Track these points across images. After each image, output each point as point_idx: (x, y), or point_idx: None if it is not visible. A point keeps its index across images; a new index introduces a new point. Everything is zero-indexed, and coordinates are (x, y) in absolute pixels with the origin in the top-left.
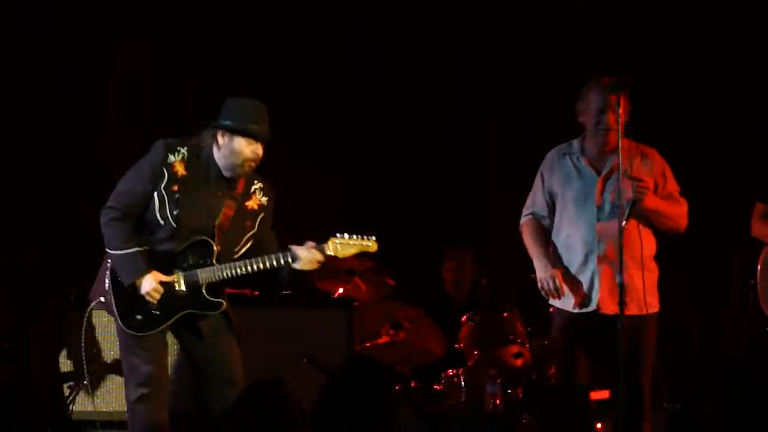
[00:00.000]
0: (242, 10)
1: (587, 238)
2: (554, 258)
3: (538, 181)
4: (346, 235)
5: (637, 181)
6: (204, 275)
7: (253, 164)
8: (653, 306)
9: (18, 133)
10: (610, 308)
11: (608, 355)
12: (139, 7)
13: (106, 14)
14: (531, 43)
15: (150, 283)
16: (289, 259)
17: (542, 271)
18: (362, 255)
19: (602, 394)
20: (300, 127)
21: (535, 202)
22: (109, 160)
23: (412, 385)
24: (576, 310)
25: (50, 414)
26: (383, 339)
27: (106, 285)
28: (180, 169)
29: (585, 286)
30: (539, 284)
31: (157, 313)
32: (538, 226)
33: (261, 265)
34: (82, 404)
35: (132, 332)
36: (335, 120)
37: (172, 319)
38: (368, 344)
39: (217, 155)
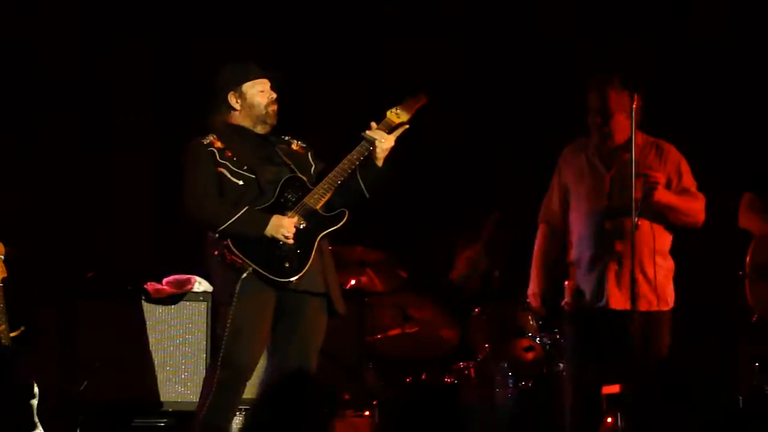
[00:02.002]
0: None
1: (598, 234)
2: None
3: (555, 176)
4: (396, 108)
5: (646, 177)
6: (312, 200)
7: (275, 106)
8: (666, 303)
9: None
10: (621, 304)
11: (619, 350)
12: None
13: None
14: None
15: (280, 223)
16: (372, 148)
17: (529, 287)
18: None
19: (613, 389)
20: (308, 108)
21: (551, 200)
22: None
23: (423, 377)
24: (588, 306)
25: (66, 400)
26: (395, 331)
27: (241, 258)
28: (218, 143)
29: (595, 282)
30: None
31: (299, 251)
32: (547, 236)
33: (353, 162)
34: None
35: (290, 279)
36: (341, 100)
37: (315, 247)
38: (380, 336)
39: (240, 118)
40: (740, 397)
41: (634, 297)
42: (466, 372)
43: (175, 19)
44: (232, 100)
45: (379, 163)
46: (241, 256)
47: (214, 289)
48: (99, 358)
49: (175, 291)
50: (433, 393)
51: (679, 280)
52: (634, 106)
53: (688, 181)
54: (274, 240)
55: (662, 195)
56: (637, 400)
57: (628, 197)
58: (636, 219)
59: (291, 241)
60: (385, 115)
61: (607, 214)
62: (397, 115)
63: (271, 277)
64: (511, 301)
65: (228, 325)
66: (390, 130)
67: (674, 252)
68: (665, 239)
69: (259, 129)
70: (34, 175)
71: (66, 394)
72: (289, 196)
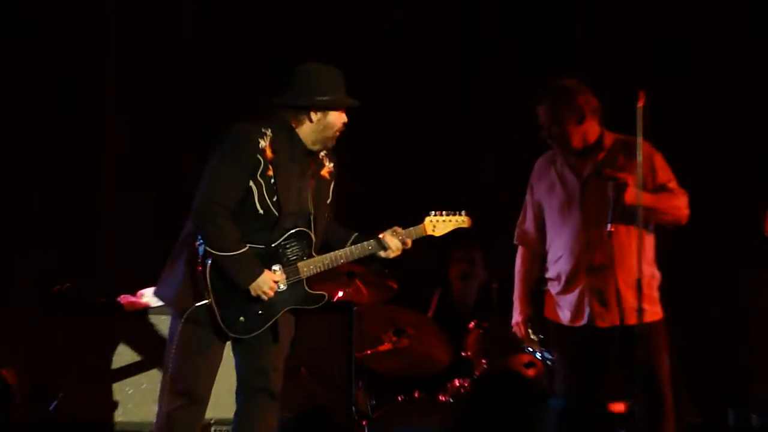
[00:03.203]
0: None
1: (574, 247)
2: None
3: (528, 193)
4: (443, 213)
5: (612, 179)
6: (305, 269)
7: (341, 130)
8: (653, 314)
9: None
10: (605, 320)
11: (611, 368)
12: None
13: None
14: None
15: (266, 284)
16: (380, 251)
17: (513, 316)
18: (456, 231)
19: (619, 407)
20: None
21: (524, 220)
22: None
23: (416, 395)
24: (569, 325)
25: (35, 420)
26: (385, 346)
27: (208, 287)
28: (269, 153)
29: (576, 299)
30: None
31: (261, 312)
32: (526, 259)
33: (355, 256)
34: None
35: (236, 335)
36: None
37: (275, 318)
38: (369, 351)
39: (305, 132)
40: (754, 415)
41: (641, 308)
42: (462, 390)
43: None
44: (314, 116)
45: (380, 261)
46: (209, 283)
47: (172, 290)
48: (70, 375)
49: (151, 304)
50: (427, 411)
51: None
52: (639, 105)
53: (665, 176)
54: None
55: (633, 196)
56: (643, 417)
57: (603, 204)
58: (610, 225)
59: (259, 304)
60: (422, 220)
61: (580, 224)
62: (434, 226)
63: (220, 323)
64: (510, 313)
65: (175, 346)
66: (412, 238)
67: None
68: (648, 244)
69: (315, 148)
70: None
71: (35, 413)
72: (289, 250)
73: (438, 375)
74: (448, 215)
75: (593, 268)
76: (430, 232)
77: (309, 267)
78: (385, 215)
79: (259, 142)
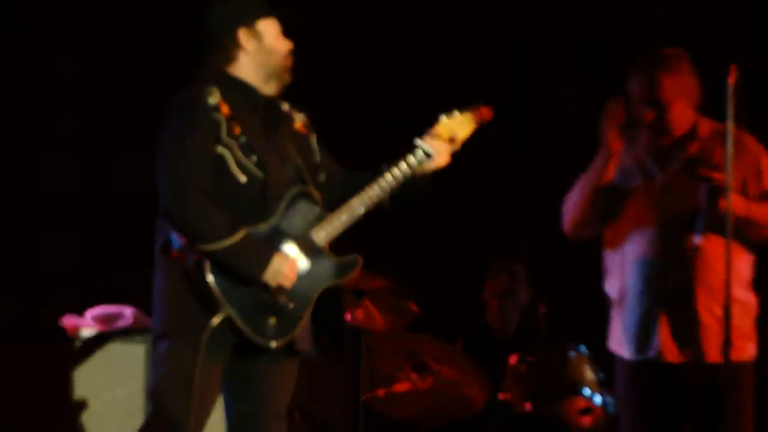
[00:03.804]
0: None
1: (646, 259)
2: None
3: (606, 148)
4: (457, 114)
5: (708, 180)
6: (322, 234)
7: (290, 59)
8: (743, 351)
9: None
10: (675, 355)
11: (682, 416)
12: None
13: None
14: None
15: (281, 267)
16: (425, 159)
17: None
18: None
19: None
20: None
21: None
22: None
23: None
24: (633, 358)
25: None
26: (402, 385)
27: (216, 295)
28: (225, 109)
29: (642, 325)
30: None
31: (292, 305)
32: None
33: (386, 190)
34: None
35: (273, 343)
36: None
37: (310, 307)
38: (381, 392)
39: (248, 69)
40: None
41: (728, 342)
42: None
43: None
44: (244, 38)
45: (427, 181)
46: (218, 291)
47: (157, 314)
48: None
49: (103, 328)
50: None
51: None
52: (730, 82)
53: None
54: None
55: (732, 203)
56: None
57: (690, 209)
58: (699, 238)
59: (284, 295)
60: (437, 120)
61: (658, 230)
62: (460, 123)
63: (250, 334)
64: (561, 345)
65: (166, 373)
66: (445, 135)
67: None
68: (743, 263)
69: (270, 86)
70: None
71: None
72: (295, 220)
73: (469, 422)
74: (467, 110)
75: (668, 288)
76: (458, 132)
77: (326, 231)
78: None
79: (208, 100)
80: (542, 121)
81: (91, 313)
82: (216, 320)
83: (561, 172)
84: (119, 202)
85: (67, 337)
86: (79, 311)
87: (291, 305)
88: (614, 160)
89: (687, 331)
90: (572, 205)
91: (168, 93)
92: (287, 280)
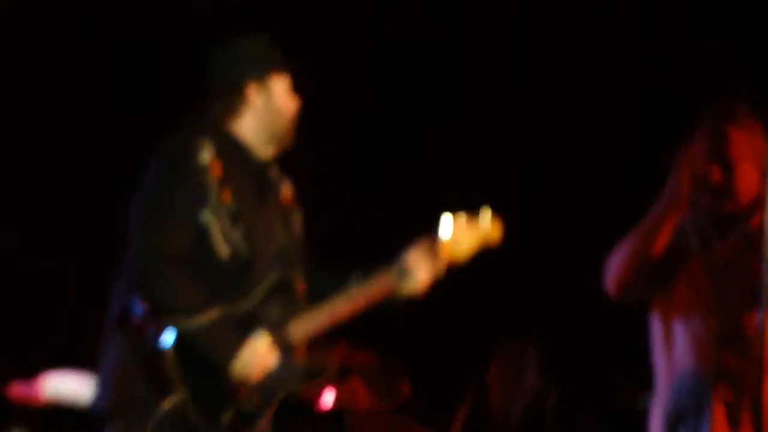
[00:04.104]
0: None
1: (699, 336)
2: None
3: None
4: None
5: None
6: (299, 331)
7: (296, 121)
8: None
9: None
10: None
11: None
12: None
13: None
14: None
15: (253, 360)
16: (399, 278)
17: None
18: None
19: None
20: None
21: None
22: None
23: None
24: None
25: None
26: None
27: (174, 377)
28: (217, 170)
29: (692, 411)
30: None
31: (254, 402)
32: None
33: (368, 298)
34: None
35: None
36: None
37: (272, 408)
38: None
39: (250, 127)
40: None
41: None
42: None
43: None
44: (253, 92)
45: (402, 302)
46: (176, 371)
47: (103, 390)
48: None
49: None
50: None
51: None
52: None
53: None
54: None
55: None
56: None
57: (750, 282)
58: (762, 315)
59: (247, 392)
60: (436, 227)
61: (715, 305)
62: (462, 234)
63: (201, 425)
64: None
65: None
66: (440, 252)
67: None
68: None
69: (267, 150)
70: None
71: None
72: (272, 310)
73: None
74: (465, 221)
75: (727, 374)
76: (450, 252)
77: (303, 328)
78: None
79: (198, 158)
80: (547, 194)
81: (45, 379)
82: (167, 404)
83: (578, 249)
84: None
85: (16, 408)
86: (30, 377)
87: (253, 402)
88: (678, 214)
89: (747, 421)
90: (620, 261)
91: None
92: (255, 375)
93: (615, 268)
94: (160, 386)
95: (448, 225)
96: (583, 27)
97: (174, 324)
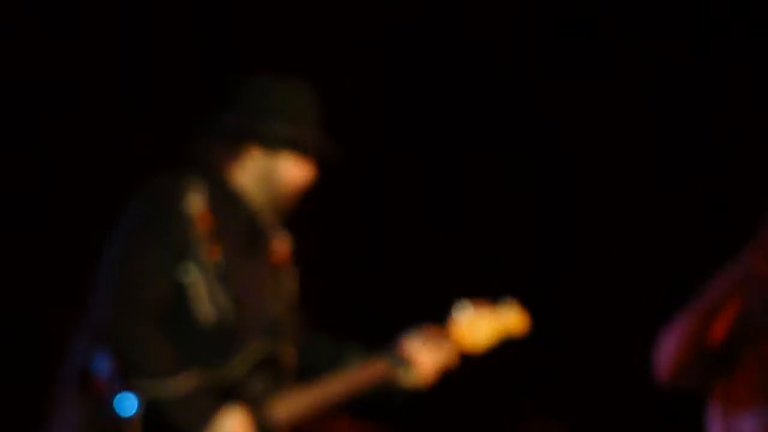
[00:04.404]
0: None
1: None
2: None
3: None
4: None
5: None
6: (282, 410)
7: (298, 198)
8: None
9: None
10: None
11: None
12: None
13: None
14: None
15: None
16: (399, 370)
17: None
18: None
19: None
20: None
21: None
22: None
23: None
24: None
25: None
26: None
27: None
28: (206, 220)
29: None
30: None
31: None
32: None
33: (360, 383)
34: None
35: None
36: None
37: None
38: None
39: (245, 180)
40: None
41: None
42: None
43: None
44: (256, 154)
45: (402, 393)
46: None
47: None
48: None
49: None
50: None
51: None
52: None
53: None
54: None
55: None
56: None
57: None
58: None
59: None
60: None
61: None
62: (469, 333)
63: None
64: None
65: None
66: (450, 341)
67: None
68: None
69: (262, 213)
70: None
71: None
72: (255, 384)
73: None
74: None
75: None
76: (464, 342)
77: (288, 408)
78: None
79: (184, 205)
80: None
81: None
82: None
83: (610, 322)
84: None
85: None
86: None
87: None
88: (746, 295)
89: None
90: (673, 343)
91: None
92: None
93: (667, 351)
94: None
95: (464, 312)
96: (621, 101)
97: (143, 388)
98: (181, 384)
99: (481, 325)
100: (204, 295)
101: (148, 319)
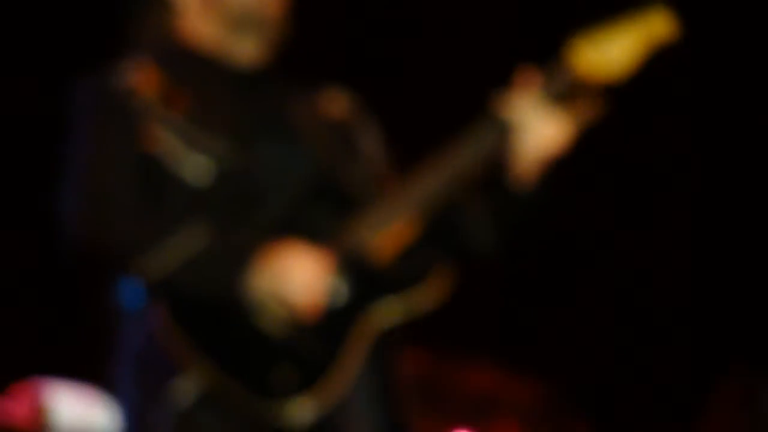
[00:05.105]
0: None
1: None
2: None
3: None
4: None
5: None
6: (365, 234)
7: (276, 6)
8: None
9: None
10: None
11: None
12: None
13: None
14: None
15: (292, 270)
16: (499, 134)
17: None
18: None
19: None
20: None
21: None
22: None
23: None
24: None
25: None
26: None
27: (183, 344)
28: (154, 84)
29: None
30: None
31: (318, 346)
32: None
33: (456, 169)
34: None
35: (283, 405)
36: None
37: (352, 338)
38: None
39: (200, 22)
40: None
41: None
42: None
43: None
44: None
45: (525, 178)
46: (186, 340)
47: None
48: None
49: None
50: None
51: None
52: None
53: None
54: (265, 312)
55: None
56: None
57: None
58: None
59: (299, 329)
60: (556, 55)
61: None
62: (591, 61)
63: (248, 399)
64: None
65: None
66: (563, 93)
67: None
68: None
69: (244, 50)
70: None
71: None
72: (317, 216)
73: None
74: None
75: None
76: (594, 67)
77: (372, 228)
78: None
79: (117, 82)
80: None
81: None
82: (187, 399)
83: None
84: None
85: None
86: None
87: (320, 341)
88: None
89: None
90: None
91: None
92: (305, 294)
93: None
94: (175, 375)
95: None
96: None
97: (142, 269)
98: (185, 241)
99: (610, 39)
100: (182, 148)
101: (122, 201)
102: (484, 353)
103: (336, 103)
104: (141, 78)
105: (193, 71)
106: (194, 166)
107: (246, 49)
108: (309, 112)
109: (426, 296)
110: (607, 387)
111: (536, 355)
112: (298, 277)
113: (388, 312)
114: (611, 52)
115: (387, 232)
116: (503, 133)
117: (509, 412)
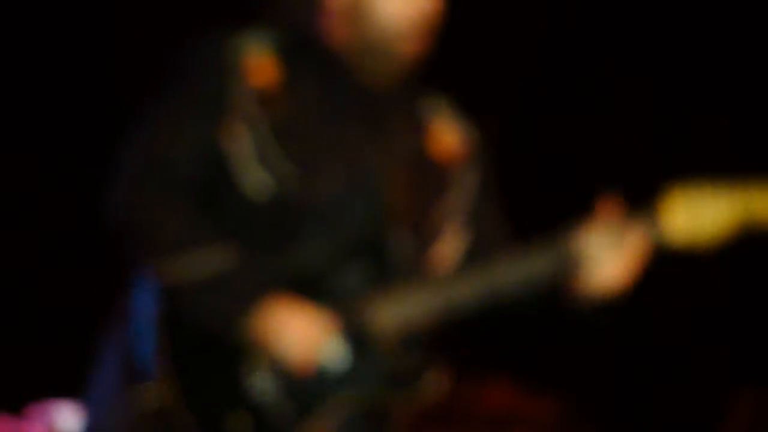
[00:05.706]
0: None
1: None
2: None
3: None
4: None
5: None
6: (386, 313)
7: (419, 42)
8: None
9: None
10: None
11: None
12: None
13: None
14: None
15: (286, 331)
16: (562, 264)
17: None
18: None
19: None
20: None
21: None
22: None
23: None
24: None
25: None
26: None
27: (161, 354)
28: (267, 76)
29: None
30: None
31: (288, 408)
32: None
33: (506, 283)
34: None
35: None
36: None
37: (316, 415)
38: None
39: (340, 31)
40: None
41: None
42: None
43: None
44: None
45: (588, 301)
46: (167, 353)
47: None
48: None
49: None
50: None
51: None
52: None
53: None
54: (250, 358)
55: None
56: None
57: None
58: None
59: (292, 380)
60: (648, 200)
61: None
62: (680, 225)
63: (190, 426)
64: None
65: None
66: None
67: None
68: None
69: (373, 75)
70: None
71: None
72: (349, 271)
73: None
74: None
75: None
76: (679, 227)
77: (397, 314)
78: None
79: (229, 57)
80: None
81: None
82: (150, 399)
83: None
84: None
85: None
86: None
87: (286, 406)
88: None
89: None
90: None
91: None
92: (296, 359)
93: None
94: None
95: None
96: None
97: (162, 270)
98: (210, 258)
99: (703, 205)
100: (253, 160)
101: (174, 197)
102: (503, 371)
103: (448, 138)
104: (255, 63)
105: (318, 68)
106: (256, 180)
107: (372, 74)
108: (409, 151)
109: (418, 392)
110: (624, 405)
111: (554, 373)
112: (293, 331)
113: (374, 398)
114: (704, 217)
115: (404, 325)
116: (568, 263)
117: (527, 430)
